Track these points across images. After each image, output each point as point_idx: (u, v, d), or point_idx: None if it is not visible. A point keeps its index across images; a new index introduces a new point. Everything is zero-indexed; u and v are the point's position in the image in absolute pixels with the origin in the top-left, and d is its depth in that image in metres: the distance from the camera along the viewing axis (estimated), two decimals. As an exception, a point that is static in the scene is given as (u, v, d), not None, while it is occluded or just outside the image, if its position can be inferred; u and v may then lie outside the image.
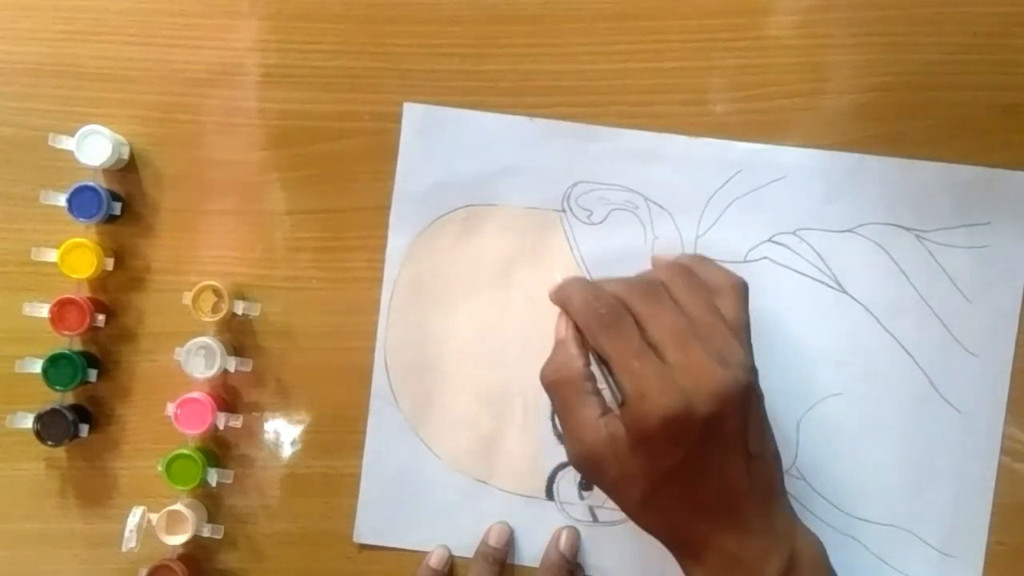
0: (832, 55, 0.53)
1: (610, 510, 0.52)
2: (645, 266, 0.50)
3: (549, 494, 0.53)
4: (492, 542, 0.52)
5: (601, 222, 0.53)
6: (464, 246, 0.53)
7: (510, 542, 0.52)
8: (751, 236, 0.53)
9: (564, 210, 0.53)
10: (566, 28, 0.52)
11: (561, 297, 0.47)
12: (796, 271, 0.53)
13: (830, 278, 0.52)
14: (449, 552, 0.52)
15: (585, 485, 0.53)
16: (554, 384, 0.45)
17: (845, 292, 0.52)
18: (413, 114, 0.53)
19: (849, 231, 0.52)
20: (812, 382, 0.53)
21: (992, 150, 0.53)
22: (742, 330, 0.45)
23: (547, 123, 0.53)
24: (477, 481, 0.53)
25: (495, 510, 0.53)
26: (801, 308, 0.52)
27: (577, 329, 0.45)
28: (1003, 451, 0.52)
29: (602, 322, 0.44)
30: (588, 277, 0.53)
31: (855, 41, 0.53)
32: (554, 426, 0.53)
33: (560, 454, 0.52)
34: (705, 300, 0.44)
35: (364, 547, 0.53)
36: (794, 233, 0.53)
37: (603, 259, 0.53)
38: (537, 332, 0.50)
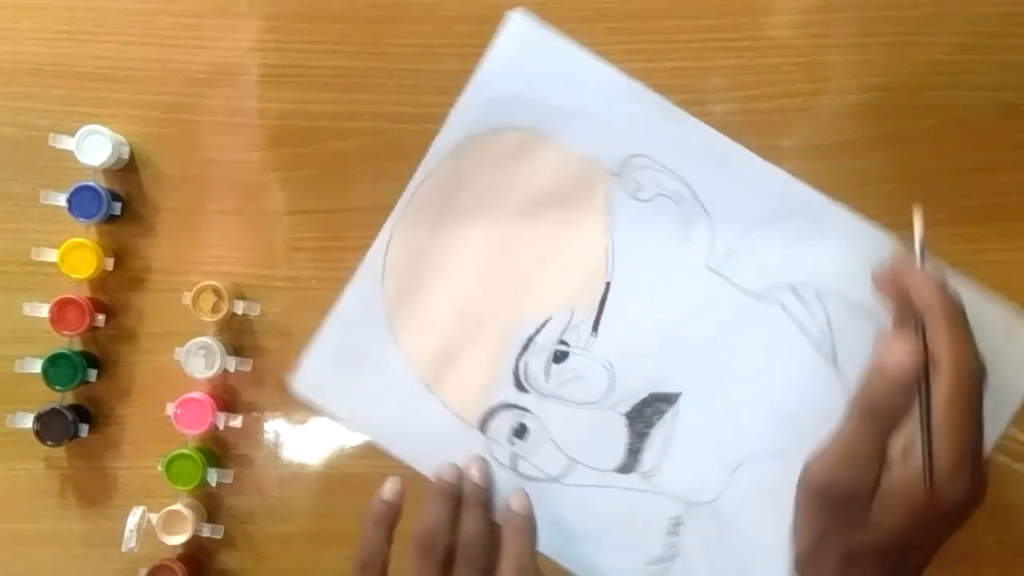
0: (832, 55, 0.53)
1: (534, 466, 0.52)
2: (662, 256, 0.51)
3: (483, 427, 0.53)
4: (445, 476, 0.51)
5: (645, 200, 0.53)
6: (509, 166, 0.53)
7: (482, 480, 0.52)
8: (775, 276, 0.52)
9: (617, 174, 0.53)
10: (566, 28, 0.52)
11: (939, 299, 0.43)
12: (800, 328, 0.52)
13: (828, 349, 0.52)
14: (401, 485, 0.51)
15: (518, 433, 0.53)
16: (878, 408, 0.43)
17: (835, 367, 0.52)
18: (516, 23, 0.52)
19: (868, 312, 0.51)
20: (760, 435, 0.52)
21: (992, 150, 0.53)
22: None
23: (638, 87, 0.52)
24: (424, 386, 0.53)
25: (428, 420, 0.53)
26: (789, 366, 0.52)
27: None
28: (1003, 451, 0.52)
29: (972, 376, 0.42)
30: (607, 244, 0.52)
31: (855, 41, 0.52)
32: (516, 372, 0.52)
33: (508, 395, 0.52)
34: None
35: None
36: (816, 294, 0.52)
37: (629, 236, 0.52)
38: (541, 276, 0.50)
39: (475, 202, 0.53)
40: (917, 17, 0.52)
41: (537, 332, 0.52)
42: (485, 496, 0.52)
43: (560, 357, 0.52)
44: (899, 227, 0.53)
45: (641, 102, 0.52)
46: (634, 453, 0.52)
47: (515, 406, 0.53)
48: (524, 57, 0.52)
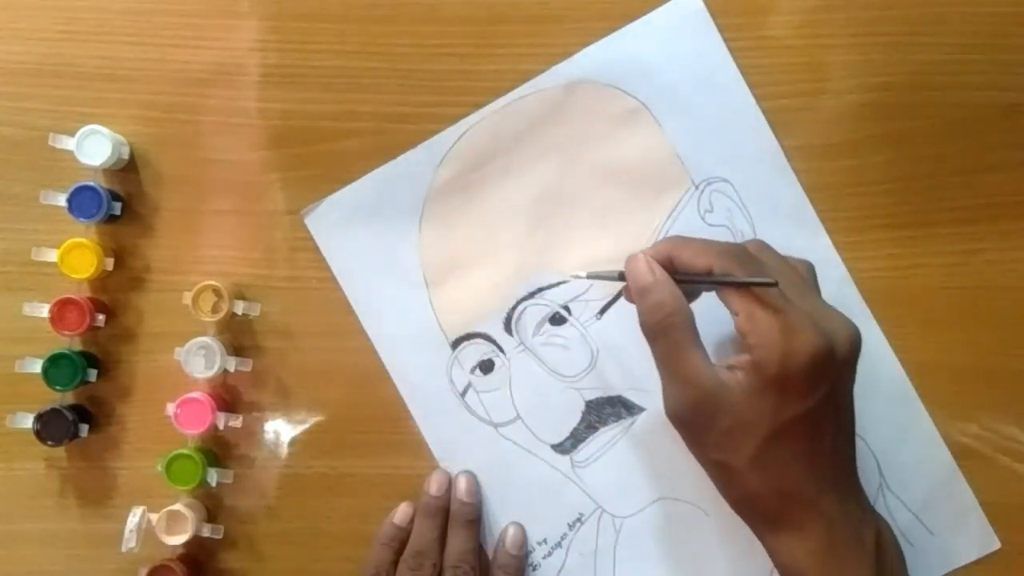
0: (832, 55, 0.53)
1: (481, 403, 0.53)
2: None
3: (455, 345, 0.53)
4: (433, 490, 0.52)
5: (710, 225, 0.53)
6: (608, 126, 0.52)
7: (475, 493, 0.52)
8: None
9: (697, 187, 0.53)
10: (566, 28, 0.52)
11: (673, 243, 0.45)
12: None
13: None
14: (412, 510, 0.52)
15: (484, 367, 0.53)
16: (663, 327, 0.43)
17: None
18: (688, 2, 0.51)
19: None
20: (687, 483, 0.52)
21: (992, 150, 0.53)
22: None
23: (762, 122, 0.52)
24: (423, 279, 0.53)
25: (410, 311, 0.53)
26: None
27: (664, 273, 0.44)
28: (1003, 451, 0.52)
29: (739, 258, 0.43)
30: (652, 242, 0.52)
31: (855, 41, 0.53)
32: (511, 312, 0.52)
33: (493, 330, 0.53)
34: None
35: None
36: None
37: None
38: (579, 239, 0.52)
39: (560, 140, 0.53)
40: (917, 17, 0.52)
41: (549, 287, 0.53)
42: (474, 512, 0.52)
43: (558, 320, 0.53)
44: (898, 227, 0.53)
45: (758, 137, 0.52)
46: (576, 440, 0.53)
47: (494, 342, 0.53)
48: (676, 35, 0.52)
